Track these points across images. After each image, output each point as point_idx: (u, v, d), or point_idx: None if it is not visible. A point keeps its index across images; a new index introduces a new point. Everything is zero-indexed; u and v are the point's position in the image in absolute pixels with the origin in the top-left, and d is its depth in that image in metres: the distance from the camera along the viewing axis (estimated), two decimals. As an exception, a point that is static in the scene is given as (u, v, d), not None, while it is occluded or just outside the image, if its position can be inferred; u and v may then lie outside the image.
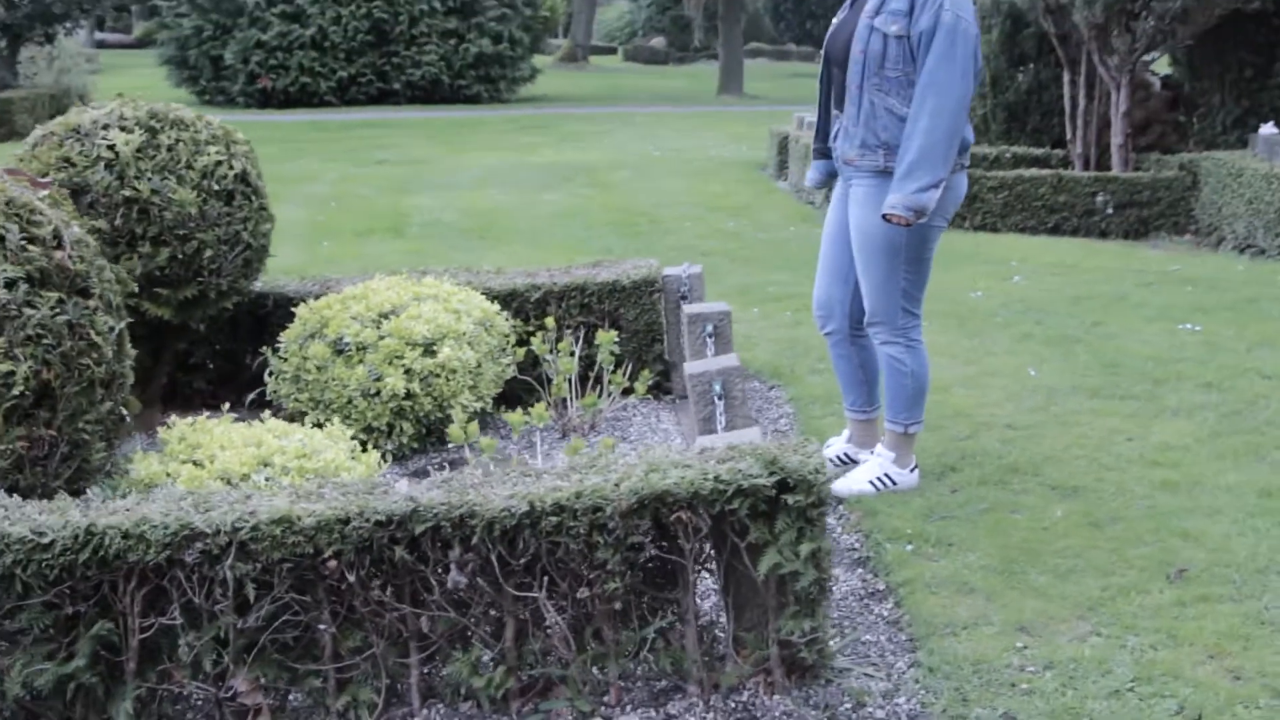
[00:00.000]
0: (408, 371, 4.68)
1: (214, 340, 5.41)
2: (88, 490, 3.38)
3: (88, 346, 3.32)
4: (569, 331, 5.36)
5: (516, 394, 5.35)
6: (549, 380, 5.23)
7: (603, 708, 3.04)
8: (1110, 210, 10.14)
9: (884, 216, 3.90)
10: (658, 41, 51.79)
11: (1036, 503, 4.14)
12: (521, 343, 5.29)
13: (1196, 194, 10.08)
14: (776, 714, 3.01)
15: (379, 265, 8.17)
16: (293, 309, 5.25)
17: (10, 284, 3.19)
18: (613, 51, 53.60)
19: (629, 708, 3.05)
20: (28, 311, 3.19)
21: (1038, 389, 5.43)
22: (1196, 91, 11.33)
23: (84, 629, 2.92)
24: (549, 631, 3.05)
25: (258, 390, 5.11)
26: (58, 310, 3.26)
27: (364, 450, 4.32)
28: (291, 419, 4.77)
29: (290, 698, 3.07)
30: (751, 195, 12.03)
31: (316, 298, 5.25)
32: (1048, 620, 3.34)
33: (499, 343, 5.07)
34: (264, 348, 5.17)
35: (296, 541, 2.85)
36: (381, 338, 4.73)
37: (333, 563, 2.89)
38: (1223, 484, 4.26)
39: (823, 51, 4.28)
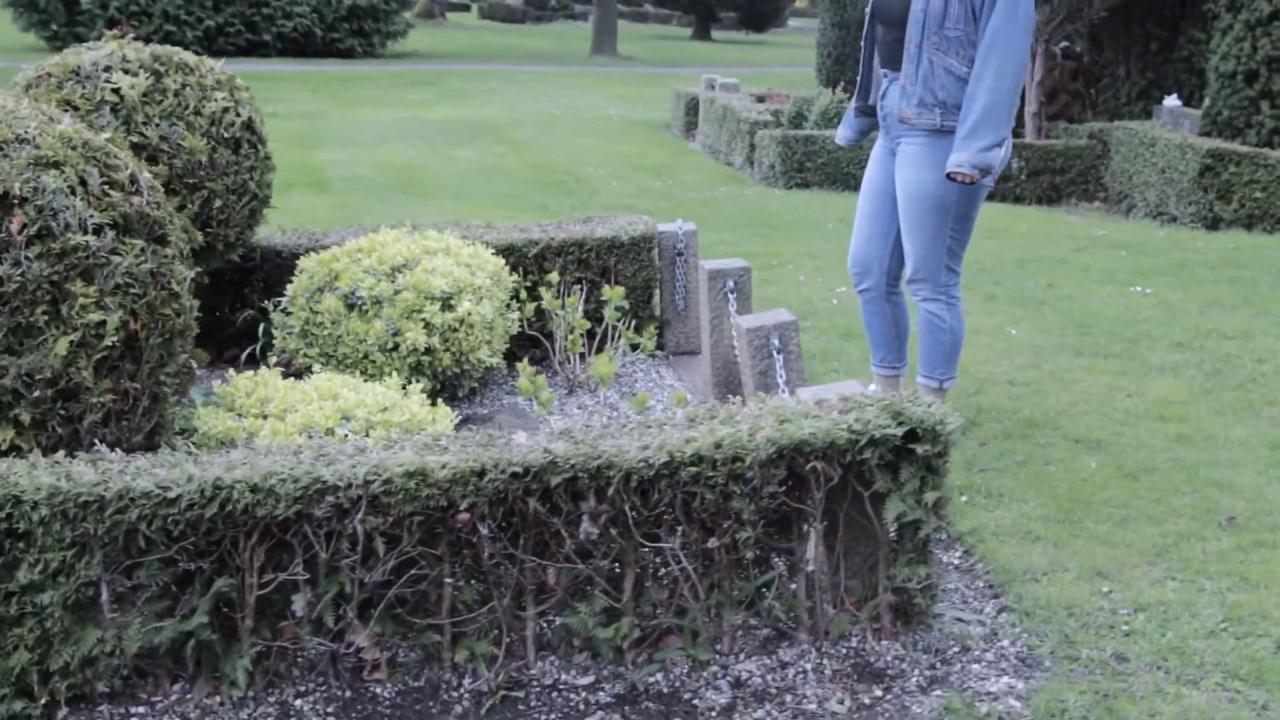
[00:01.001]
0: (427, 326, 4.60)
1: (196, 294, 5.22)
2: (164, 446, 3.26)
3: (169, 296, 3.20)
4: (574, 287, 5.33)
5: (511, 349, 5.31)
6: (551, 335, 5.21)
7: (718, 656, 3.07)
8: (1024, 176, 10.43)
9: (949, 175, 3.97)
10: (514, -1, 51.34)
11: (1065, 455, 4.28)
12: (520, 298, 5.24)
13: (1107, 162, 10.43)
14: (888, 658, 3.07)
15: (313, 220, 8.00)
16: (280, 263, 5.13)
17: (97, 230, 3.05)
18: (466, 8, 52.93)
19: (742, 655, 3.08)
20: (114, 259, 3.05)
21: (1023, 348, 5.59)
22: (1099, 63, 11.71)
23: (200, 586, 2.84)
24: (664, 582, 3.06)
25: (257, 344, 4.98)
26: (141, 258, 3.13)
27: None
28: (298, 375, 4.66)
29: (400, 650, 3.02)
30: (668, 155, 12.06)
31: (307, 252, 5.13)
32: (1121, 566, 3.47)
33: (505, 297, 5.02)
34: (253, 302, 5.05)
35: (430, 494, 2.80)
36: (397, 291, 4.64)
37: (465, 515, 2.85)
38: (1234, 438, 4.46)
39: (869, 10, 4.32)
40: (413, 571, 2.89)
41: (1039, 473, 4.12)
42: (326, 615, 2.87)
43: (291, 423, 3.33)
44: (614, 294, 5.07)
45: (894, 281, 4.43)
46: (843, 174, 10.31)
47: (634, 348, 5.25)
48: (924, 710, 2.86)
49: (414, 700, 2.90)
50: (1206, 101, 10.23)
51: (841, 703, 2.91)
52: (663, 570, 3.06)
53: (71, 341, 2.96)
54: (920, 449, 2.96)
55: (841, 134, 4.62)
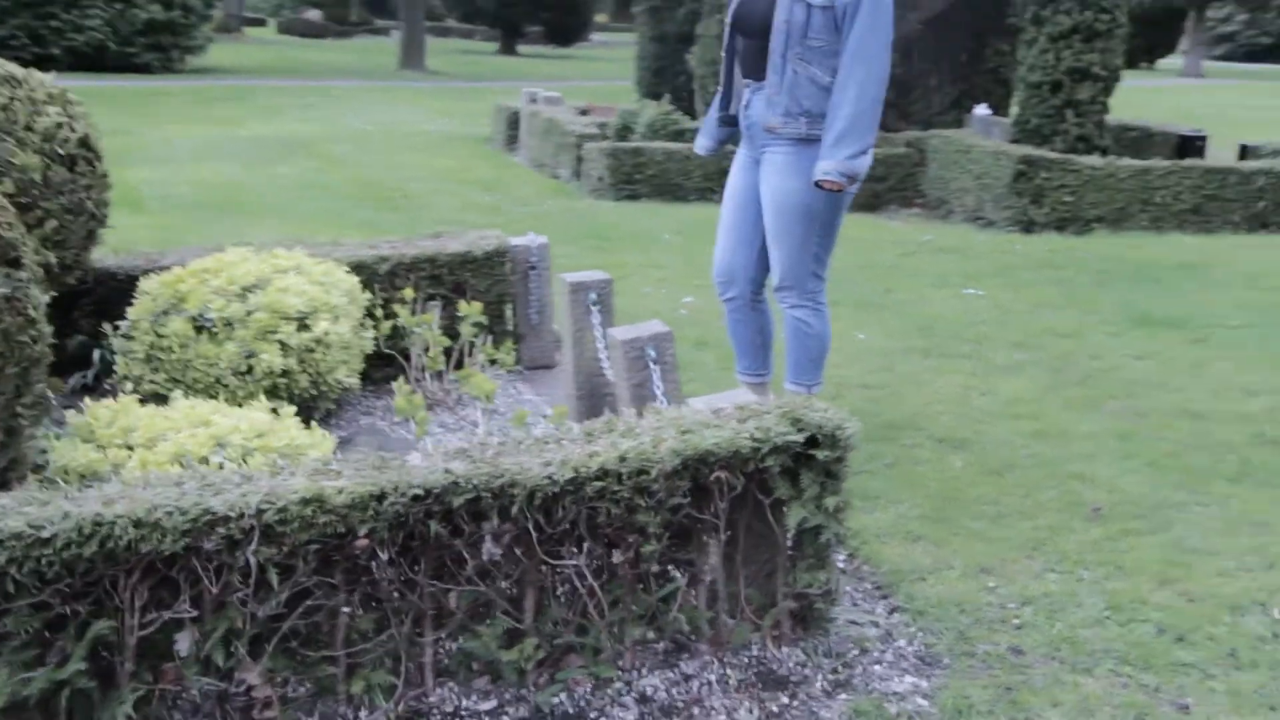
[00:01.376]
0: (283, 347, 4.44)
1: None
2: (21, 484, 3.06)
3: (25, 322, 3.00)
4: (428, 304, 5.22)
5: (364, 369, 5.16)
6: (406, 353, 5.08)
7: (620, 673, 3.02)
8: (847, 184, 10.66)
9: (817, 183, 4.01)
10: (314, 14, 50.51)
11: (931, 456, 4.36)
12: (373, 315, 5.10)
13: (924, 170, 10.74)
14: (790, 665, 3.07)
15: (132, 240, 7.65)
16: (116, 285, 4.89)
17: (-48, 256, 2.84)
18: (262, 23, 51.82)
19: (644, 670, 3.04)
20: (-30, 287, 2.85)
21: (872, 351, 5.69)
22: (911, 74, 12.06)
23: (74, 630, 2.66)
24: (564, 600, 2.99)
25: (88, 372, 4.74)
26: (18, 294, 2.93)
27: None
28: (143, 402, 4.44)
29: (290, 685, 2.89)
30: (492, 169, 11.95)
31: (145, 273, 4.89)
32: (1002, 561, 3.55)
33: (360, 316, 4.88)
34: (83, 327, 4.80)
35: (328, 521, 2.69)
36: (250, 312, 4.46)
37: (363, 542, 2.74)
38: (1084, 432, 4.62)
39: (728, 21, 4.34)
40: (308, 603, 2.76)
41: (909, 473, 4.19)
42: (216, 653, 2.72)
43: (162, 452, 3.16)
44: (472, 309, 4.98)
45: (758, 289, 4.45)
46: (671, 185, 10.38)
47: (492, 363, 5.16)
48: (833, 715, 2.86)
49: (310, 737, 2.78)
50: (1015, 110, 10.63)
51: (751, 712, 2.90)
52: (562, 588, 3.00)
53: (-75, 375, 2.76)
54: (821, 454, 2.97)
55: (701, 144, 4.63)
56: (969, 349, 5.78)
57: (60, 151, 4.32)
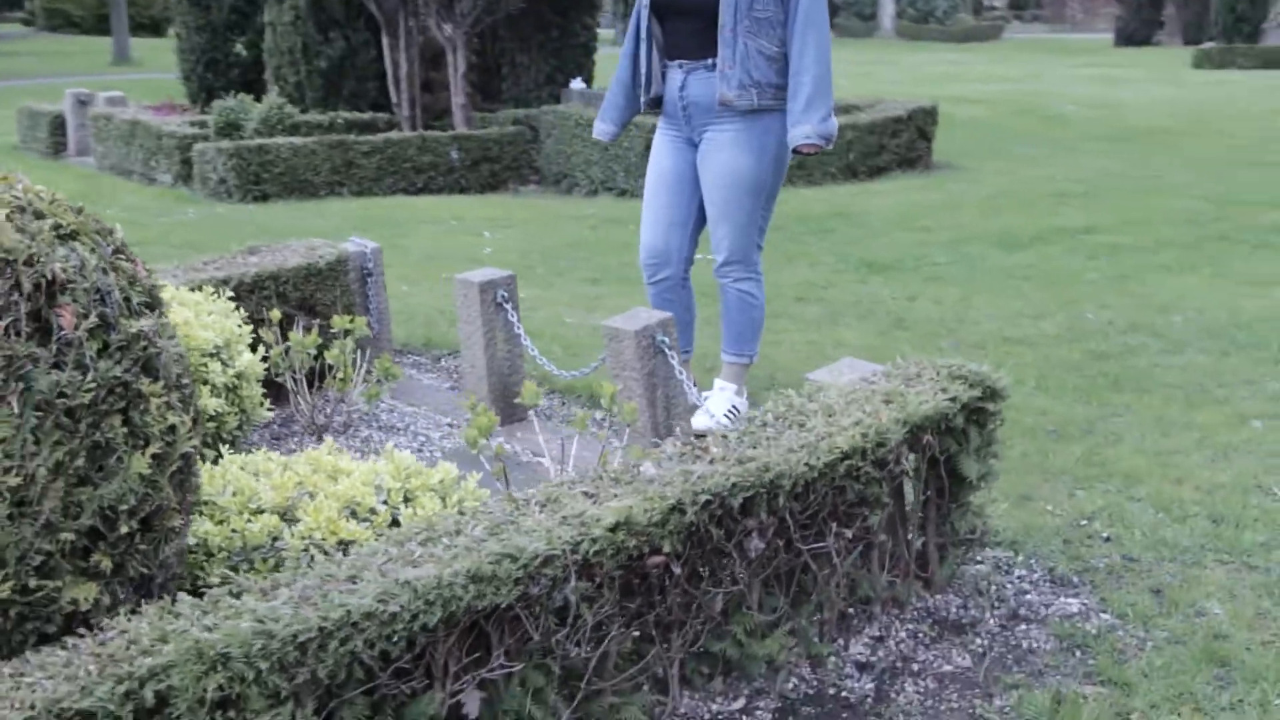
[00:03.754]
0: (211, 386, 4.00)
1: None
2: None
3: (194, 382, 2.60)
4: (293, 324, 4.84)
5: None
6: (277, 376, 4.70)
7: (833, 646, 3.09)
8: (460, 164, 10.69)
9: (795, 150, 4.14)
10: None
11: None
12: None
13: (539, 146, 10.97)
14: (954, 610, 3.27)
15: None
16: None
17: (141, 311, 2.41)
18: None
19: (841, 641, 3.13)
20: (163, 345, 2.44)
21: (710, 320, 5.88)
22: (499, 52, 12.22)
23: (392, 712, 2.39)
24: (793, 584, 3.02)
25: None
26: (174, 339, 2.52)
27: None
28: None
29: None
30: (74, 181, 10.84)
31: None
32: (1030, 486, 3.92)
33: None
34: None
35: (636, 544, 2.58)
36: (159, 353, 3.97)
37: (659, 558, 2.65)
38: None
39: (645, 4, 4.35)
40: (613, 632, 2.63)
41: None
42: (537, 709, 2.54)
43: (327, 506, 2.81)
44: (357, 324, 4.67)
45: (688, 269, 4.54)
46: (301, 182, 9.94)
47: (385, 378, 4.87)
48: (1046, 645, 3.08)
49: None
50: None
51: (968, 655, 3.07)
52: (790, 572, 3.02)
53: (153, 455, 2.34)
54: (990, 407, 3.18)
55: (602, 129, 4.62)
56: (825, 316, 6.09)
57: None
